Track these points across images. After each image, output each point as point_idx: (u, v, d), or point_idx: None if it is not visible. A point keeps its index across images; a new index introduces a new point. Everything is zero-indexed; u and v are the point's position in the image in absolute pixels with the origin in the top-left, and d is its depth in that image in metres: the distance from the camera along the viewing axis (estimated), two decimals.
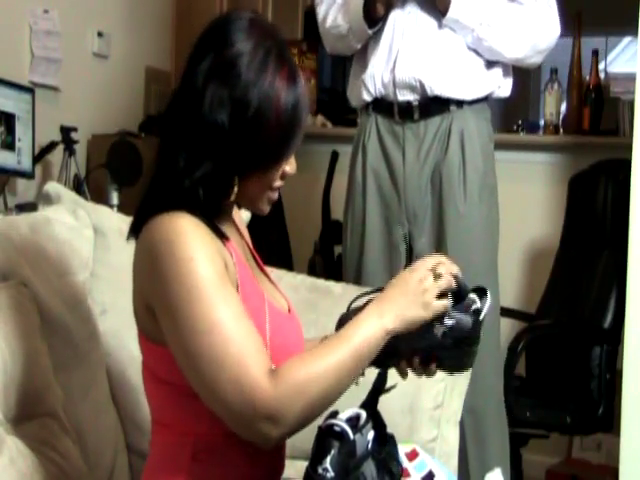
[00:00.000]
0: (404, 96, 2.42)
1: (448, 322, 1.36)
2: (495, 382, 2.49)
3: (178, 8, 4.11)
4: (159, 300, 1.30)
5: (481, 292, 1.40)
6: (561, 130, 3.82)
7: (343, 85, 4.54)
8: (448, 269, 1.36)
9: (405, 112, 2.44)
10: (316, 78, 4.32)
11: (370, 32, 2.44)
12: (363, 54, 2.51)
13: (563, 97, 3.90)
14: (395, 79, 2.40)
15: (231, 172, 1.34)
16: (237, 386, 1.23)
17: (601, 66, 4.12)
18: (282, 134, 1.34)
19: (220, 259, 1.31)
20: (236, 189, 1.35)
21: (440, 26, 2.39)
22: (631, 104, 3.64)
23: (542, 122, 4.00)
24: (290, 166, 1.40)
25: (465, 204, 2.39)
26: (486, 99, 2.48)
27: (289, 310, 1.50)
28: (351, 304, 1.43)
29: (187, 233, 1.29)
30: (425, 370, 1.40)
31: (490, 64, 2.45)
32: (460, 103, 2.42)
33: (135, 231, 1.38)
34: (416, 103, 2.41)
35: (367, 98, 2.49)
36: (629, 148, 2.32)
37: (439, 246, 2.41)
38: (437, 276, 1.35)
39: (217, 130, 1.32)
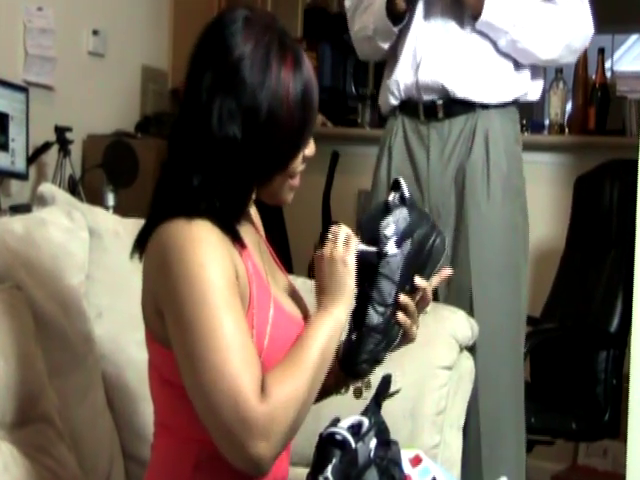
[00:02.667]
0: (428, 96, 2.43)
1: (388, 232, 1.36)
2: (514, 387, 2.47)
3: (175, 5, 4.11)
4: (167, 303, 1.31)
5: (393, 187, 1.41)
6: (566, 130, 3.82)
7: (344, 84, 4.55)
8: (339, 230, 1.37)
9: (430, 111, 2.44)
10: (316, 77, 4.32)
11: (395, 30, 2.44)
12: (392, 62, 2.52)
13: (568, 96, 3.90)
14: (418, 83, 2.42)
15: (250, 181, 1.35)
16: (232, 397, 1.24)
17: (607, 64, 4.12)
18: (297, 125, 1.35)
19: (232, 268, 1.31)
20: (254, 195, 1.35)
21: (471, 30, 2.39)
22: (638, 103, 3.67)
23: (547, 122, 4.00)
24: (309, 149, 1.41)
25: (487, 205, 2.39)
26: (513, 103, 2.48)
27: (305, 317, 1.50)
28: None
29: (200, 239, 1.29)
30: (420, 308, 1.42)
31: (519, 68, 2.45)
32: (486, 105, 2.43)
33: (142, 242, 1.38)
34: (440, 102, 2.42)
35: (394, 102, 2.50)
36: (636, 148, 2.32)
37: (461, 246, 2.41)
38: (332, 237, 1.36)
39: (230, 144, 1.31)
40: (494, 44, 2.40)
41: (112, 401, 1.90)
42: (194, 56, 1.36)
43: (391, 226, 1.36)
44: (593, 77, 3.75)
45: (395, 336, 1.40)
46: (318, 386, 1.33)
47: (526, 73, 2.46)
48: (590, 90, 3.73)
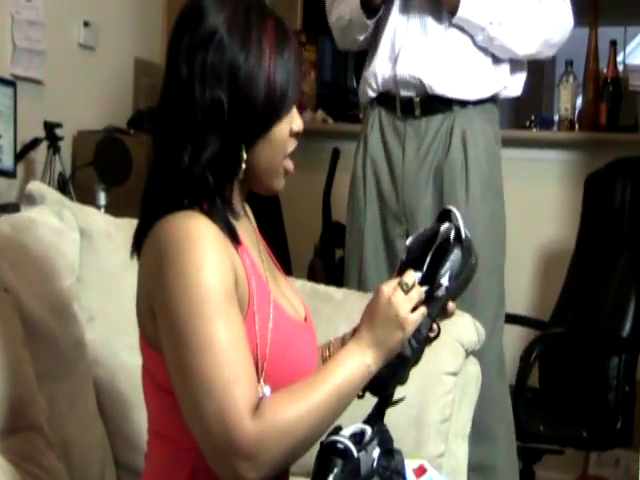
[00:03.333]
0: (406, 92, 2.48)
1: (444, 281, 1.38)
2: (498, 389, 2.48)
3: None
4: (160, 307, 1.31)
5: (445, 216, 1.42)
6: (576, 126, 3.82)
7: (345, 78, 4.55)
8: (410, 278, 1.37)
9: (407, 108, 2.49)
10: (316, 71, 4.33)
11: (369, 23, 2.49)
12: (372, 52, 2.55)
13: (579, 91, 3.91)
14: (396, 77, 2.46)
15: (237, 142, 1.35)
16: (220, 417, 1.24)
17: (619, 58, 4.13)
18: (279, 86, 1.36)
19: (231, 271, 1.31)
20: (245, 156, 1.35)
21: (447, 25, 2.42)
22: None
23: (556, 117, 4.00)
24: (295, 123, 1.41)
25: (467, 205, 2.42)
26: (493, 99, 2.50)
27: (306, 318, 1.50)
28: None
29: (199, 238, 1.29)
30: (445, 317, 1.43)
31: (497, 62, 2.47)
32: (464, 103, 2.45)
33: (139, 240, 1.38)
34: (417, 99, 2.47)
35: (372, 94, 2.56)
36: None
37: None
38: (405, 288, 1.36)
39: (215, 106, 1.33)
40: (472, 38, 2.43)
41: (104, 408, 1.90)
42: (173, 31, 1.38)
43: (447, 273, 1.38)
44: (604, 71, 3.75)
45: (421, 357, 1.41)
46: (325, 425, 1.31)
47: (505, 67, 2.51)
48: (601, 84, 3.73)
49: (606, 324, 3.12)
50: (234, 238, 1.36)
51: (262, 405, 1.26)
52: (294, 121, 1.41)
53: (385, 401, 1.40)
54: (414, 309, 1.36)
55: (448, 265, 1.39)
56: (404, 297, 1.35)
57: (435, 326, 1.40)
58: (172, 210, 1.33)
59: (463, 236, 1.41)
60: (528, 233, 3.62)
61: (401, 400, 1.41)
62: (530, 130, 3.90)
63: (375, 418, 1.38)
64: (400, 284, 1.36)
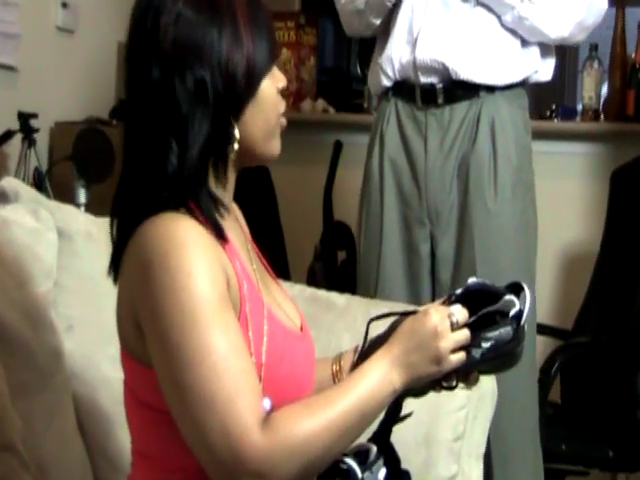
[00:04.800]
0: (427, 78, 2.45)
1: (486, 345, 1.38)
2: (529, 407, 2.48)
3: None
4: (148, 318, 1.30)
5: (515, 289, 1.42)
6: (602, 116, 3.82)
7: (347, 64, 4.55)
8: (463, 316, 1.38)
9: (428, 96, 2.46)
10: (316, 56, 4.33)
11: (389, 4, 2.46)
12: (384, 37, 2.53)
13: (604, 78, 3.91)
14: (416, 61, 2.43)
15: (226, 121, 1.36)
16: (224, 432, 1.24)
17: None
18: (258, 52, 1.37)
19: (223, 275, 1.31)
20: (237, 132, 1.36)
21: (474, 3, 2.41)
22: None
23: (580, 107, 4.00)
24: (279, 80, 1.43)
25: (495, 202, 2.40)
26: (522, 84, 2.49)
27: (302, 328, 1.51)
28: (369, 328, 1.44)
29: (185, 242, 1.29)
30: (465, 381, 1.43)
31: (526, 45, 2.46)
32: (491, 88, 2.43)
33: (120, 246, 1.38)
34: (440, 86, 2.44)
35: (386, 83, 2.51)
36: None
37: (465, 250, 2.42)
38: (453, 325, 1.36)
39: (199, 88, 1.33)
40: (499, 18, 2.41)
41: (84, 425, 1.90)
42: (134, 17, 1.39)
43: (491, 342, 1.38)
44: (632, 56, 3.75)
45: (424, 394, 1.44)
46: (343, 444, 1.30)
47: (535, 50, 2.48)
48: (629, 70, 3.74)
49: (633, 334, 3.12)
50: (221, 236, 1.35)
51: (274, 418, 1.26)
52: (276, 78, 1.43)
53: (392, 417, 1.40)
54: (455, 350, 1.36)
55: (497, 334, 1.38)
56: (451, 334, 1.36)
57: (454, 380, 1.40)
58: (153, 213, 1.33)
59: (523, 322, 1.40)
60: (548, 234, 3.60)
61: (409, 415, 1.41)
62: (551, 121, 3.91)
63: (381, 435, 1.38)
64: (450, 317, 1.37)
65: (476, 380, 1.43)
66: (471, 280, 1.43)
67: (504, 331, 1.38)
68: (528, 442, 2.48)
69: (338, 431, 1.28)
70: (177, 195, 1.34)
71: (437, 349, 1.35)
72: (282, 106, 1.45)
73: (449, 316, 1.37)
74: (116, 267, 1.39)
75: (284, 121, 1.45)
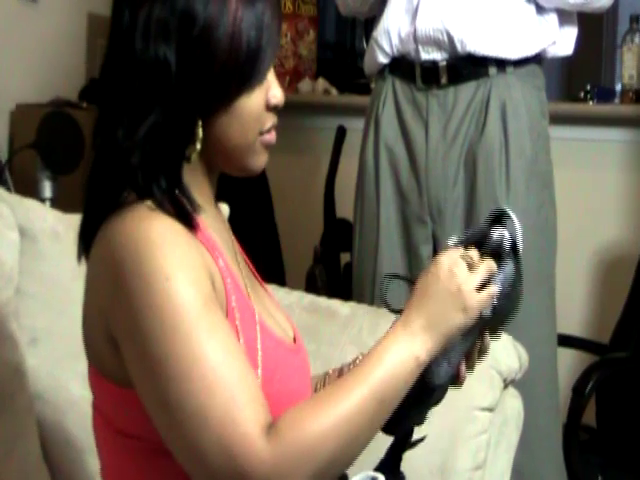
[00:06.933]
0: (428, 54, 2.44)
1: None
2: (551, 432, 2.49)
3: None
4: (124, 332, 1.30)
5: (499, 217, 1.43)
6: None
7: (352, 39, 4.55)
8: (476, 255, 1.38)
9: (429, 75, 2.46)
10: (316, 30, 4.34)
11: None
12: (382, 9, 2.53)
13: None
14: (416, 32, 2.43)
15: (188, 114, 1.34)
16: (224, 448, 1.23)
17: None
18: (245, 43, 1.35)
19: (206, 273, 1.31)
20: (201, 133, 1.35)
21: None
22: None
23: (618, 87, 4.01)
24: (272, 94, 1.40)
25: (507, 197, 2.41)
26: (538, 60, 2.49)
27: (294, 339, 1.51)
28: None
29: (161, 241, 1.29)
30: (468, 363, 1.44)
31: (542, 12, 2.46)
32: (502, 64, 2.43)
33: (86, 242, 1.38)
34: (444, 63, 2.44)
35: (383, 60, 2.52)
36: None
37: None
38: (470, 264, 1.37)
39: (159, 66, 1.32)
40: None
41: (49, 453, 1.91)
42: None
43: (498, 288, 1.38)
44: None
45: (445, 394, 1.43)
46: (363, 438, 1.29)
47: (553, 18, 2.47)
48: None
49: None
50: (190, 224, 1.34)
51: (279, 422, 1.25)
52: (271, 91, 1.40)
53: (402, 442, 1.40)
54: (480, 288, 1.36)
55: (502, 277, 1.39)
56: (470, 273, 1.36)
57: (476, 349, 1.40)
58: (117, 206, 1.33)
59: (520, 249, 1.41)
60: (582, 234, 3.62)
61: (421, 441, 1.41)
62: (585, 103, 3.91)
63: (390, 464, 1.38)
64: (463, 257, 1.37)
65: (488, 344, 1.43)
66: (451, 241, 1.43)
67: (508, 271, 1.39)
68: (552, 472, 2.48)
69: (353, 427, 1.27)
70: (136, 183, 1.33)
71: (459, 291, 1.34)
72: (269, 122, 1.41)
73: (462, 257, 1.37)
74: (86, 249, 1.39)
75: (270, 137, 1.42)
